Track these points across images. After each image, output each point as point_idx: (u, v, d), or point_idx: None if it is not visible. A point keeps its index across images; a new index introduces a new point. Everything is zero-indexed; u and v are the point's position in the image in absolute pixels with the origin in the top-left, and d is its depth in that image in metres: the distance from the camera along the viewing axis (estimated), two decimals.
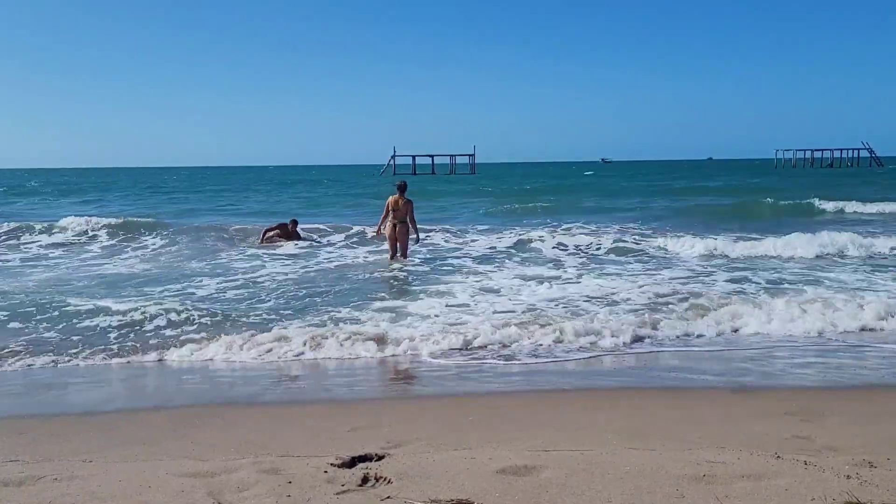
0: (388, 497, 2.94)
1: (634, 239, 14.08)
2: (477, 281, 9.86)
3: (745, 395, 4.91)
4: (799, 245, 12.02)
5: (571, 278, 9.98)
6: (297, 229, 15.10)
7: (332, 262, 12.39)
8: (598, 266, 11.12)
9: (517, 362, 6.03)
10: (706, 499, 2.83)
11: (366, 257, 12.89)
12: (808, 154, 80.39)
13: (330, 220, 18.92)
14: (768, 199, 21.11)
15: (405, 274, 10.85)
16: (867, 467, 3.17)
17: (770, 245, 12.28)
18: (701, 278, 9.76)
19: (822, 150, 79.70)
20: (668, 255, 12.09)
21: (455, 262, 11.92)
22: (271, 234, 14.75)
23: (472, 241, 14.40)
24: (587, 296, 8.53)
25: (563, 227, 16.64)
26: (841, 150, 79.12)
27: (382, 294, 9.10)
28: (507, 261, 12.03)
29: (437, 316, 7.54)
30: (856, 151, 78.06)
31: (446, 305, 8.11)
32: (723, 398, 4.85)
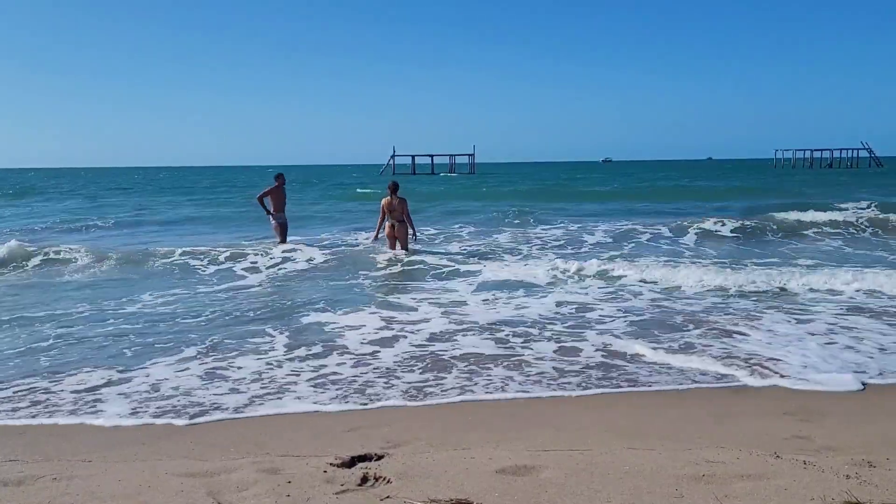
0: (388, 497, 2.95)
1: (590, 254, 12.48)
2: (452, 287, 9.36)
3: (745, 395, 4.91)
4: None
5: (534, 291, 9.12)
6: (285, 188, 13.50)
7: (295, 264, 11.73)
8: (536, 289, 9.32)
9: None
10: (706, 498, 2.83)
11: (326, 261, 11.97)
12: (808, 154, 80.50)
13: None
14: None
15: (368, 280, 10.31)
16: (866, 467, 3.17)
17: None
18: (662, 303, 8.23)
19: (822, 150, 79.78)
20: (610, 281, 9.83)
21: (423, 266, 11.20)
22: (266, 198, 13.32)
23: (455, 244, 13.98)
24: (546, 316, 7.52)
25: (539, 230, 16.25)
26: (840, 150, 79.20)
27: (321, 305, 8.26)
28: (481, 268, 11.00)
29: (352, 352, 6.11)
30: (855, 151, 78.13)
31: (375, 330, 6.95)
32: (722, 398, 4.85)
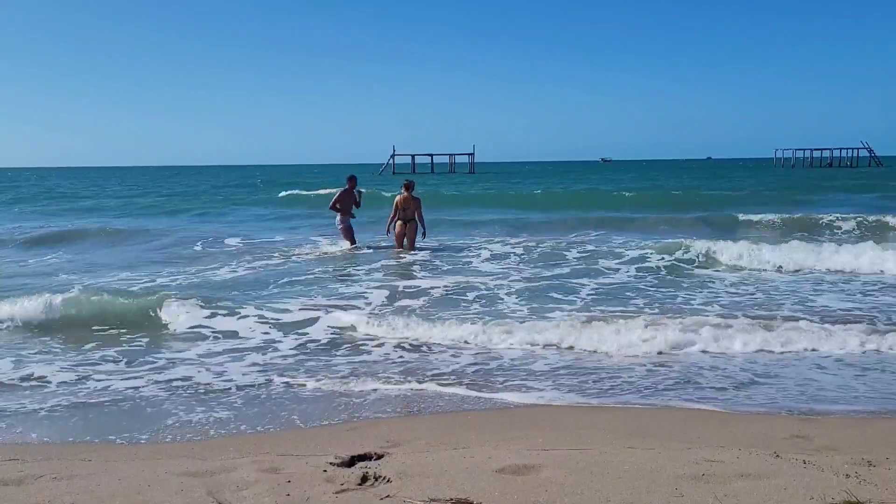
0: (388, 496, 2.94)
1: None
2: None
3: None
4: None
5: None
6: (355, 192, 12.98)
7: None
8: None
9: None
10: (705, 498, 2.83)
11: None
12: (808, 154, 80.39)
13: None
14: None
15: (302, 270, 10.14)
16: (866, 466, 3.16)
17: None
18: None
19: (822, 149, 79.64)
20: None
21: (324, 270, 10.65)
22: (338, 204, 12.79)
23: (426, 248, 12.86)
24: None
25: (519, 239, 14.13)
26: (840, 149, 79.05)
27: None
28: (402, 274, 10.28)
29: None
30: (855, 151, 78.01)
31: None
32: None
